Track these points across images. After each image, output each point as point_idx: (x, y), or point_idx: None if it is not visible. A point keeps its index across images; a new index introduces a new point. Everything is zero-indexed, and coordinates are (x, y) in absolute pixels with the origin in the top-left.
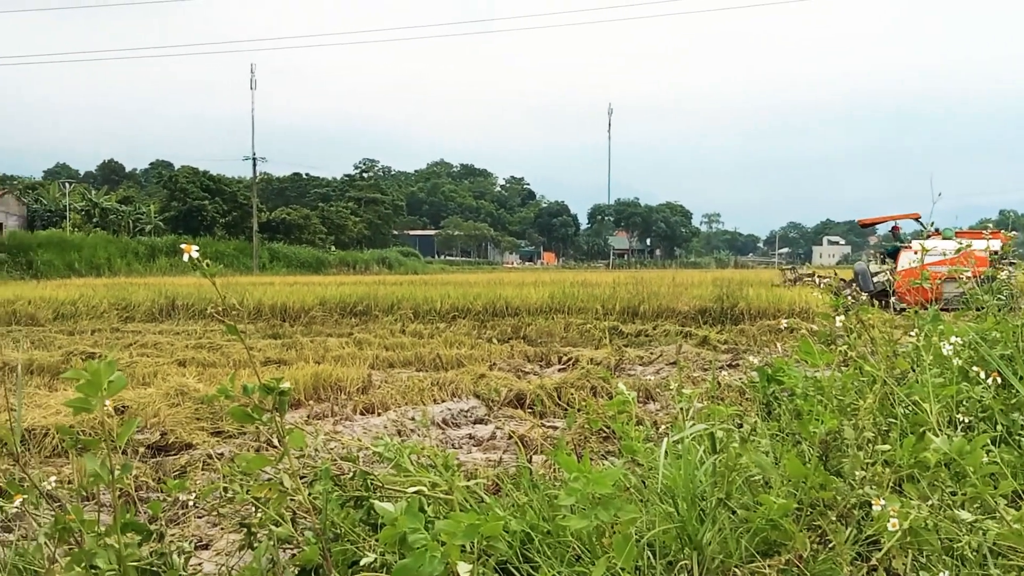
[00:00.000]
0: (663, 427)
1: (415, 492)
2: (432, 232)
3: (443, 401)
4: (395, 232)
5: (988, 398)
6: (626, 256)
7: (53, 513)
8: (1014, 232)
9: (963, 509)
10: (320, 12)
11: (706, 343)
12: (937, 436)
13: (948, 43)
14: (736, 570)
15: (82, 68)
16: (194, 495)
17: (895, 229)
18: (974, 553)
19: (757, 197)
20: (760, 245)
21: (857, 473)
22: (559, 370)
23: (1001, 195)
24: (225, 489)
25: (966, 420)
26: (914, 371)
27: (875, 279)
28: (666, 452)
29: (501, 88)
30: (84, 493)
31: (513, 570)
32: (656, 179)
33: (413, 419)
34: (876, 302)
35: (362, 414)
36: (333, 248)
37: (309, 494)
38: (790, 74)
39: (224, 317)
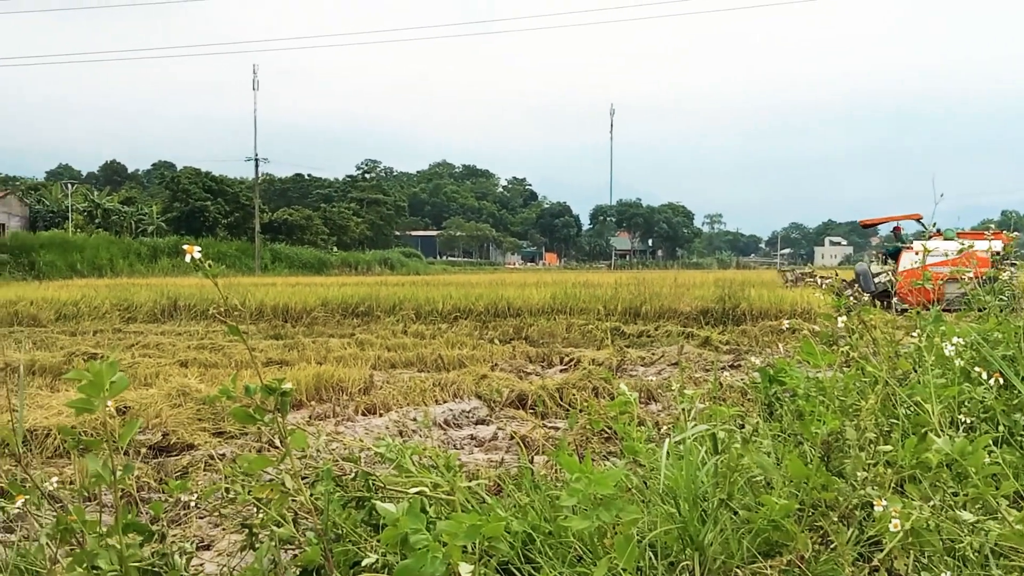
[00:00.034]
0: (665, 428)
1: (417, 493)
2: (434, 233)
3: (445, 402)
4: (397, 233)
5: (990, 399)
6: (628, 257)
7: (55, 514)
8: (1016, 233)
9: (965, 510)
10: (322, 13)
11: (708, 344)
12: (939, 437)
13: (949, 43)
14: (738, 571)
15: (84, 69)
16: (196, 496)
17: (896, 230)
18: (976, 554)
19: (759, 198)
20: (762, 246)
21: (859, 474)
22: (561, 371)
23: (1002, 195)
24: (227, 490)
25: (968, 421)
26: (916, 372)
27: (876, 280)
28: (668, 453)
29: (503, 89)
30: (86, 494)
31: (515, 571)
32: (658, 180)
33: (415, 420)
34: (878, 303)
35: (364, 415)
36: (335, 249)
37: (311, 495)
38: (791, 74)
39: (226, 318)
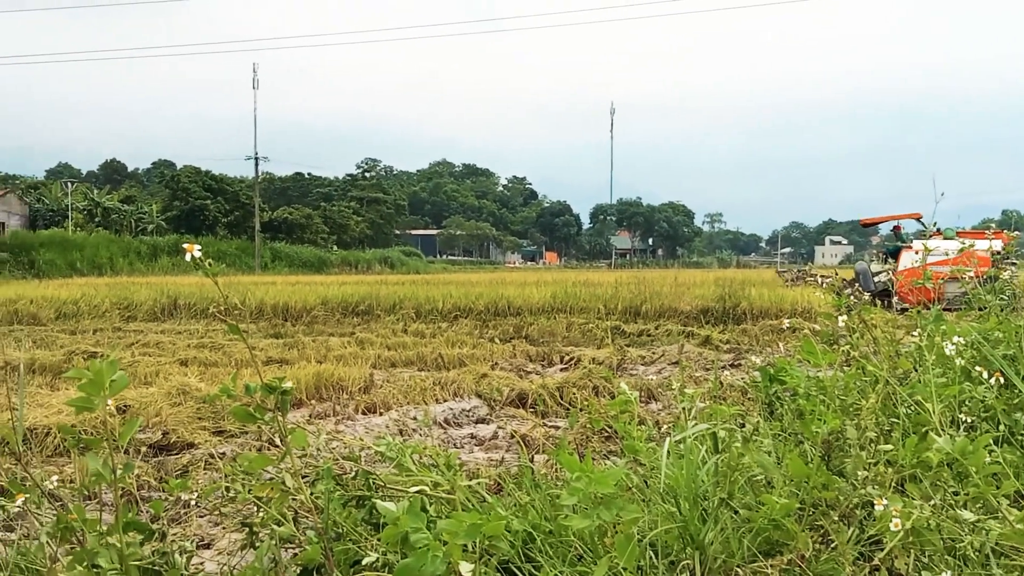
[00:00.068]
0: (665, 427)
1: (417, 492)
2: (434, 232)
3: (445, 401)
4: (397, 232)
5: (991, 398)
6: (628, 256)
7: (55, 512)
8: (1016, 232)
9: (966, 509)
10: (322, 12)
11: (708, 343)
12: (940, 436)
13: (951, 43)
14: (738, 570)
15: (85, 67)
16: (196, 494)
17: (896, 229)
18: (976, 553)
19: (759, 197)
20: (762, 245)
21: (859, 473)
22: (561, 370)
23: (1003, 194)
24: (227, 488)
25: (969, 420)
26: (917, 371)
27: (876, 279)
28: (668, 452)
29: (503, 87)
30: (86, 492)
31: (515, 570)
32: (658, 179)
33: (415, 418)
34: (879, 302)
35: (364, 413)
36: (335, 248)
37: (311, 493)
38: (792, 73)
39: (226, 316)
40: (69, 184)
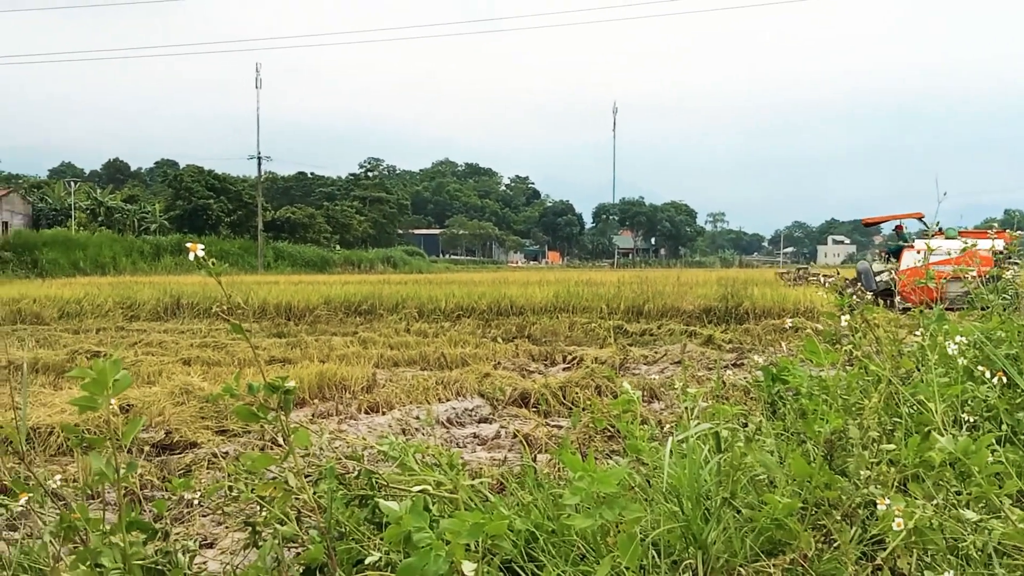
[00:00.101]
0: (668, 426)
1: (420, 491)
2: (437, 231)
3: (448, 400)
4: (400, 231)
5: (993, 397)
6: (631, 255)
7: (58, 511)
8: (1019, 231)
9: (968, 509)
10: (324, 11)
11: (711, 342)
12: (942, 436)
13: (951, 42)
14: (741, 569)
15: (87, 67)
16: (199, 494)
17: (899, 228)
18: (979, 552)
19: (762, 196)
20: (765, 244)
21: (862, 472)
22: (564, 369)
23: (1004, 193)
24: (230, 488)
25: (971, 420)
26: (919, 370)
27: (878, 278)
28: (671, 451)
29: (506, 87)
30: (89, 492)
31: (518, 569)
32: (661, 178)
33: (418, 418)
34: (881, 301)
35: (367, 413)
36: (338, 247)
37: (314, 493)
38: (794, 73)
39: (229, 316)
40: (72, 183)
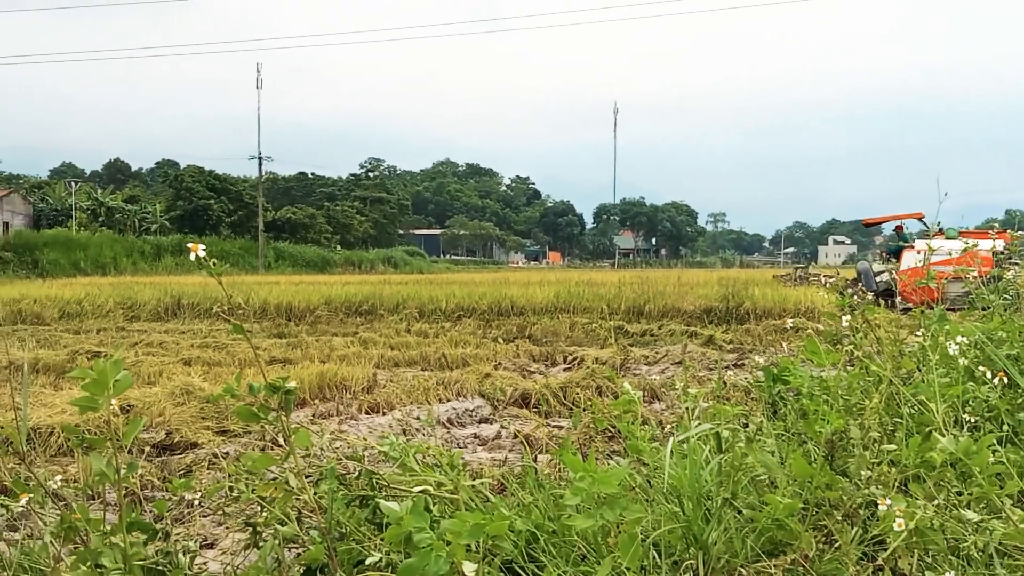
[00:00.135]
0: (669, 427)
1: (421, 491)
2: (437, 231)
3: (448, 400)
4: (400, 231)
5: (994, 398)
6: (631, 256)
7: (59, 512)
8: (1020, 232)
9: (969, 509)
10: (326, 11)
11: (711, 343)
12: (943, 436)
13: (951, 42)
14: (742, 570)
15: (88, 67)
16: (199, 494)
17: (899, 229)
18: (980, 553)
19: (763, 196)
20: (766, 245)
21: (863, 473)
22: (564, 369)
23: (1005, 193)
24: (230, 488)
25: (972, 420)
26: (920, 371)
27: (878, 278)
28: (671, 452)
29: (507, 87)
30: (90, 492)
31: (519, 569)
32: (662, 178)
33: (418, 418)
34: (882, 302)
35: (367, 413)
36: (338, 247)
37: (315, 493)
38: (795, 73)
39: (230, 316)
40: (73, 184)
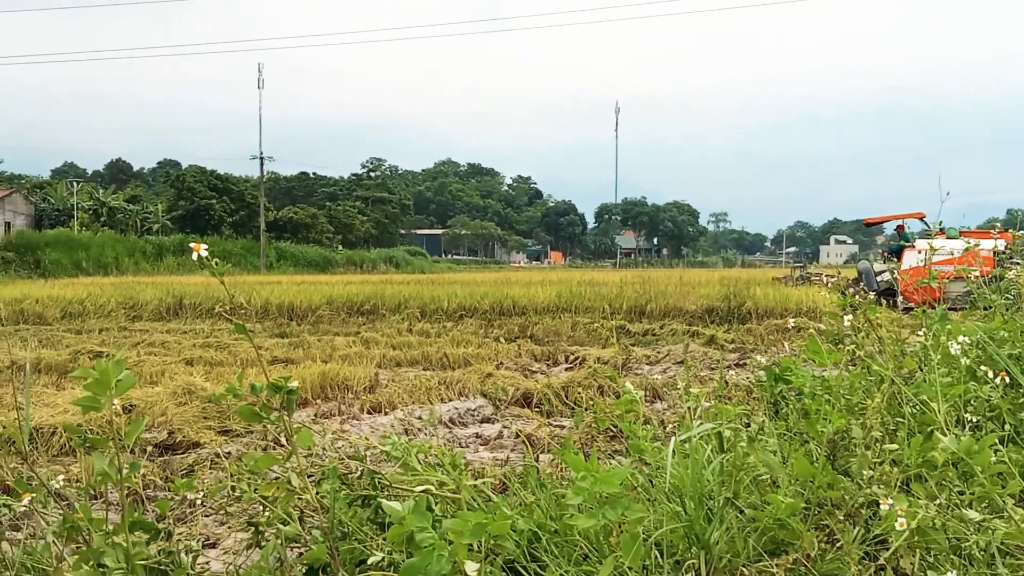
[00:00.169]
0: (670, 426)
1: (422, 491)
2: (439, 231)
3: (450, 400)
4: (402, 231)
5: (996, 397)
6: (633, 255)
7: (61, 512)
8: (1022, 231)
9: (971, 508)
10: (326, 11)
11: (713, 342)
12: (945, 435)
13: (953, 41)
14: (743, 569)
15: (89, 67)
16: (202, 494)
17: (900, 228)
18: (982, 552)
19: (764, 196)
20: (767, 244)
21: (865, 472)
22: (566, 369)
23: (1005, 193)
24: (233, 488)
25: (974, 419)
26: (922, 370)
27: (879, 278)
28: (673, 451)
29: (508, 87)
30: (92, 492)
31: (520, 569)
32: (663, 178)
33: (420, 418)
34: (883, 301)
35: (369, 413)
36: (340, 247)
37: (317, 493)
38: (796, 72)
39: (232, 316)
40: (74, 184)
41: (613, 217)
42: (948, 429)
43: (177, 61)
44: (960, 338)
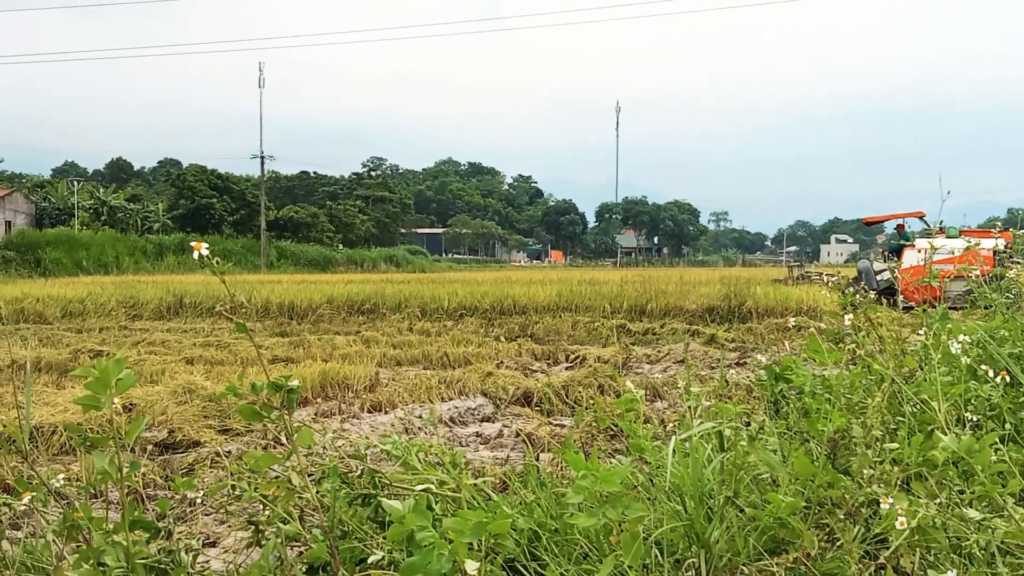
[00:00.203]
0: (671, 425)
1: (423, 490)
2: (440, 230)
3: (450, 399)
4: (403, 230)
5: (996, 396)
6: (633, 254)
7: (61, 511)
8: (1022, 231)
9: (971, 507)
10: (327, 11)
11: (714, 341)
12: (945, 434)
13: (954, 40)
14: (744, 568)
15: (91, 66)
16: (202, 493)
17: (900, 227)
18: (982, 551)
19: (765, 195)
20: (768, 243)
21: (865, 471)
22: (566, 368)
23: (1006, 193)
24: (233, 487)
25: (974, 418)
26: (922, 369)
27: (879, 277)
28: (674, 450)
29: (509, 86)
30: (92, 491)
31: (521, 568)
32: (664, 177)
33: (420, 417)
34: (884, 300)
35: (370, 412)
36: (341, 246)
37: (317, 492)
38: (797, 72)
39: (232, 315)
40: (75, 183)
41: (613, 216)
42: (948, 428)
43: (178, 60)
44: (961, 337)
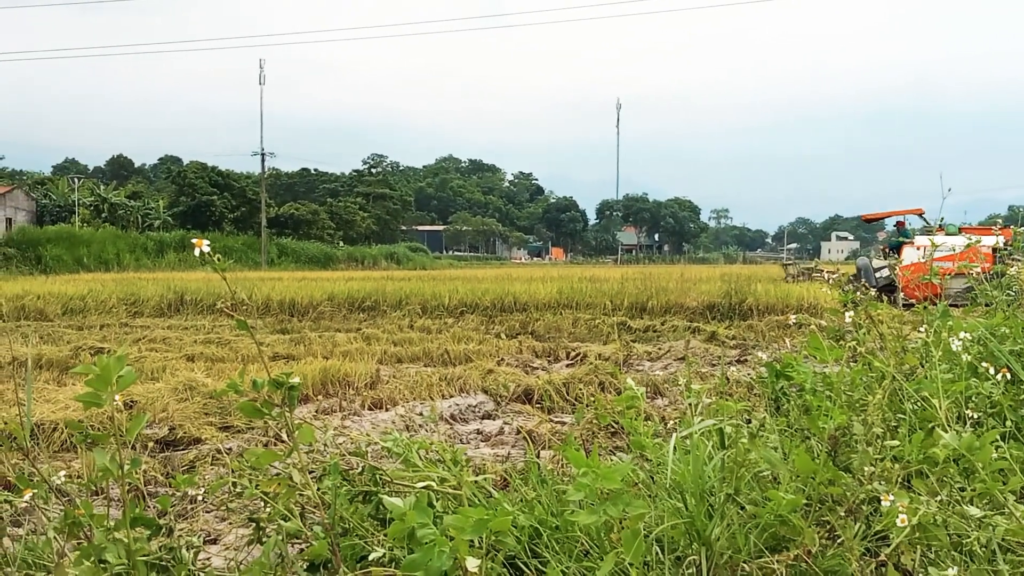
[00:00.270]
0: (672, 422)
1: (424, 487)
2: (440, 227)
3: (451, 396)
4: (403, 227)
5: (997, 394)
6: (634, 252)
7: (62, 507)
8: (1023, 228)
9: (972, 505)
10: (328, 7)
11: (714, 339)
12: (946, 432)
13: (954, 39)
14: (744, 565)
15: (91, 63)
16: (203, 490)
17: (900, 224)
18: (983, 549)
19: (765, 192)
20: (769, 240)
21: (866, 469)
22: (567, 365)
23: (1007, 191)
24: (234, 484)
25: (975, 416)
26: (923, 367)
27: (878, 274)
28: (675, 448)
29: (510, 83)
30: (93, 488)
31: (522, 565)
32: (665, 174)
33: (421, 414)
34: (884, 297)
35: (370, 409)
36: (341, 243)
37: (318, 489)
38: (799, 69)
39: (233, 312)
40: (76, 180)
41: (614, 213)
42: (949, 425)
43: (179, 58)
44: (961, 334)
